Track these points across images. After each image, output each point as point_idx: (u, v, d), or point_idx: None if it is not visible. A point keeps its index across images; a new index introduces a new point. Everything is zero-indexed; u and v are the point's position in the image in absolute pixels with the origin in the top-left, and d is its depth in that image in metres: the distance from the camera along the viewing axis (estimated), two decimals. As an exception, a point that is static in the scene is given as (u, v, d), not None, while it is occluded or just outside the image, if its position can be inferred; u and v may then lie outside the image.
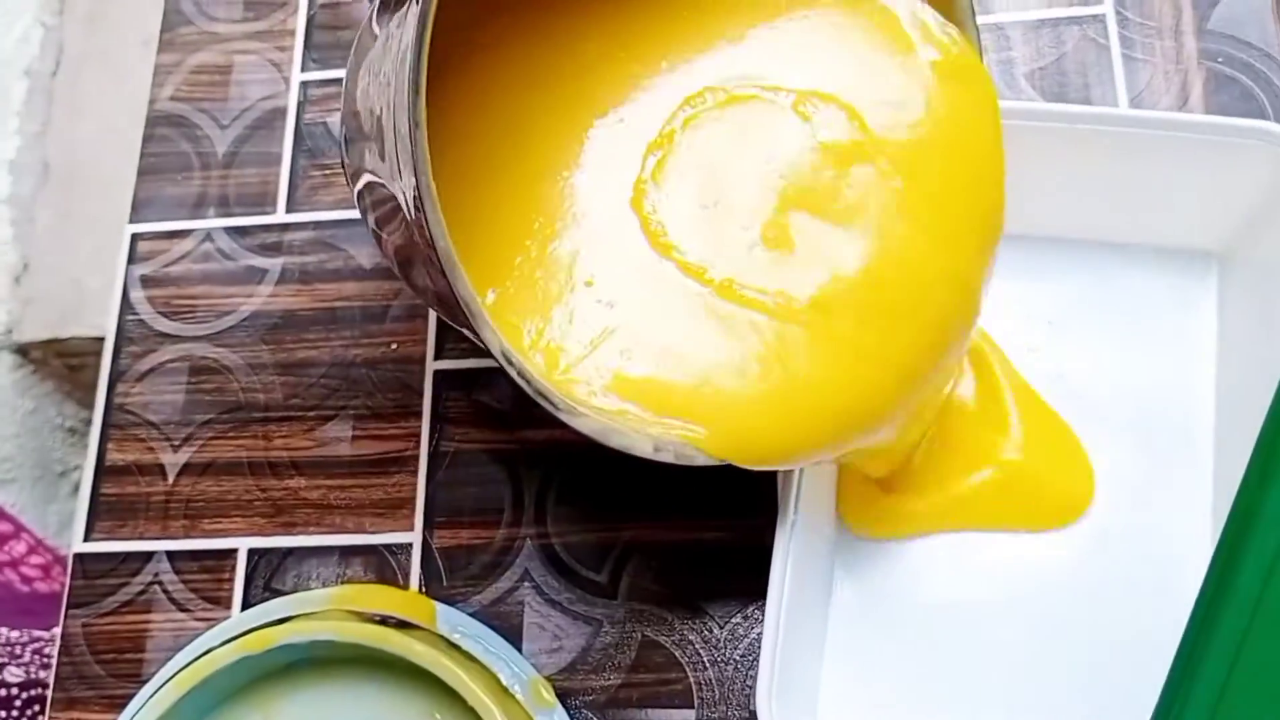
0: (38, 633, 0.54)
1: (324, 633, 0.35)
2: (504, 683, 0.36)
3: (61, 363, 0.74)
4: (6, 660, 0.50)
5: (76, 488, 0.72)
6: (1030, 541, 0.36)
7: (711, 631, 0.37)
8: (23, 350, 0.72)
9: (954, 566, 0.36)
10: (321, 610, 0.38)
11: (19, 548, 0.61)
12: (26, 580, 0.59)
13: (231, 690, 0.36)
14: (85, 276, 0.71)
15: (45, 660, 0.52)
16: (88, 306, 0.70)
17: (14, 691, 0.49)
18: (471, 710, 0.33)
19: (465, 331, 0.27)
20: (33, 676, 0.50)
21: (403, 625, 0.36)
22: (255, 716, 0.36)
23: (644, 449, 0.28)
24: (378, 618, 0.37)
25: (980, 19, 0.34)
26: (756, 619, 0.36)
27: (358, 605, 0.38)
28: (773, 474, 0.37)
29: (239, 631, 0.36)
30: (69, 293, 0.72)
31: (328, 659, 0.36)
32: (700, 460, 0.29)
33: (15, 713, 0.48)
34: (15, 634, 0.52)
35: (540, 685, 0.36)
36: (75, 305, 0.71)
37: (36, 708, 0.39)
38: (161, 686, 0.35)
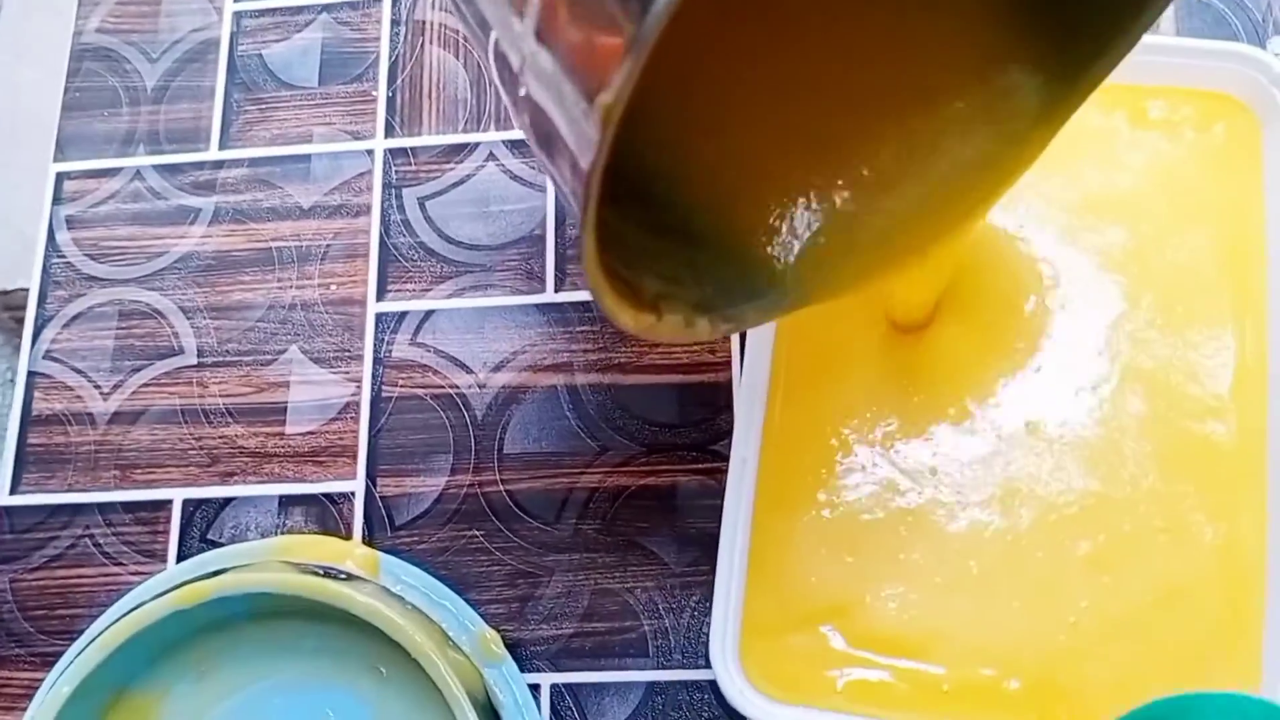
0: None
1: (261, 585, 0.33)
2: (450, 635, 0.35)
3: (9, 315, 0.72)
4: None
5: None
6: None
7: (665, 579, 0.35)
8: (-34, 303, 0.70)
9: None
10: (259, 562, 0.36)
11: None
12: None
13: (166, 646, 0.34)
14: (28, 227, 0.69)
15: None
16: (33, 257, 0.68)
17: None
18: (415, 662, 0.32)
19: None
20: None
21: (345, 577, 0.35)
22: (191, 673, 0.35)
23: (704, 331, 0.26)
24: (319, 569, 0.35)
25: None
26: (712, 565, 0.35)
27: (297, 556, 0.36)
28: (729, 412, 0.36)
29: (172, 585, 0.35)
30: (13, 244, 0.69)
31: (267, 612, 0.34)
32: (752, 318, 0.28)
33: None
34: None
35: (488, 638, 0.35)
36: (20, 256, 0.69)
37: None
38: (91, 643, 0.33)
